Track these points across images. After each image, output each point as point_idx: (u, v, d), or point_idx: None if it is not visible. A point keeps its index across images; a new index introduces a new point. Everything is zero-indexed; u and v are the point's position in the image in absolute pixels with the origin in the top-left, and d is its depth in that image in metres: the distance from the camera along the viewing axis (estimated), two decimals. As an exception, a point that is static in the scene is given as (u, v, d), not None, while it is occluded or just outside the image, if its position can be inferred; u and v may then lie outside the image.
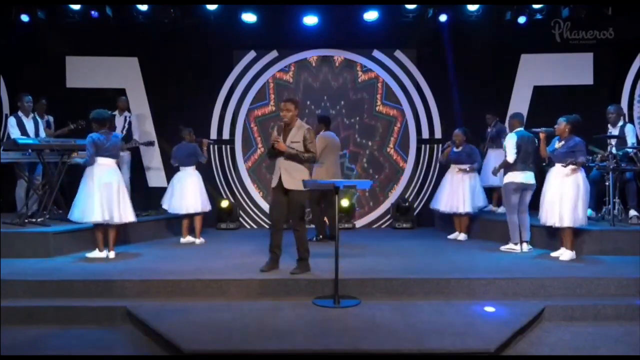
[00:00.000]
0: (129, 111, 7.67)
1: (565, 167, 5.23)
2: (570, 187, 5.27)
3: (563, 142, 5.40)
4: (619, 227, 5.86)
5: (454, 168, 6.73)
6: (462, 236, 6.74)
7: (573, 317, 4.25)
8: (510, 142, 5.77)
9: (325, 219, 6.90)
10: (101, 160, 5.44)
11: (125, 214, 5.56)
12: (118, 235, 5.73)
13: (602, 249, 5.60)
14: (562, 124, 5.44)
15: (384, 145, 8.45)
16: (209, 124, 8.36)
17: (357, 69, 8.42)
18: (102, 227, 5.52)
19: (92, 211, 5.32)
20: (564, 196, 5.26)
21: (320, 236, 6.73)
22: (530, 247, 5.90)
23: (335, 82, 8.43)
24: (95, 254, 5.55)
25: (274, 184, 4.97)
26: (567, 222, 5.27)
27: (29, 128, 6.57)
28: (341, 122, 8.43)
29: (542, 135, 5.62)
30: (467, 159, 6.62)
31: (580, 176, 5.33)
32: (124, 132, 7.55)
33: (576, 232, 5.51)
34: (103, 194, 5.37)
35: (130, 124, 7.63)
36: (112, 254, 5.60)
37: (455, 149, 6.69)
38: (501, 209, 6.92)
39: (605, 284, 4.61)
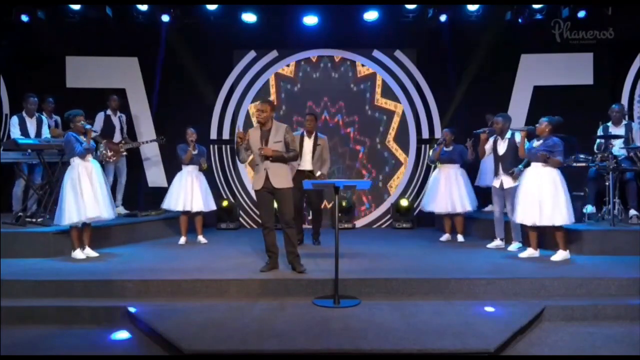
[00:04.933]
0: (121, 111, 7.66)
1: (542, 157, 5.28)
2: (548, 186, 5.28)
3: (541, 141, 5.42)
4: (619, 227, 5.86)
5: (443, 168, 6.69)
6: (460, 238, 6.69)
7: (573, 317, 4.25)
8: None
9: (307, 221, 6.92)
10: (79, 160, 5.48)
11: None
12: (91, 233, 5.73)
13: (602, 249, 5.60)
14: (543, 123, 5.46)
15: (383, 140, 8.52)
16: (209, 124, 8.36)
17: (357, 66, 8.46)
18: (77, 227, 5.56)
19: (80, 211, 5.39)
20: (543, 195, 5.27)
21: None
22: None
23: (335, 81, 8.46)
24: (77, 254, 5.56)
25: (257, 186, 4.97)
26: (546, 221, 5.27)
27: (30, 128, 6.56)
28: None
29: (522, 134, 5.64)
30: (459, 158, 6.60)
31: (557, 175, 5.33)
32: (124, 133, 7.55)
33: (573, 231, 5.53)
34: (94, 191, 5.43)
35: (126, 123, 7.64)
36: (92, 253, 5.64)
37: (445, 149, 6.66)
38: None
39: (605, 284, 4.60)
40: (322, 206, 7.06)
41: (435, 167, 6.85)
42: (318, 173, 6.33)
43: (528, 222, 5.41)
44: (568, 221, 5.32)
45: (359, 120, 8.52)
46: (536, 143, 5.47)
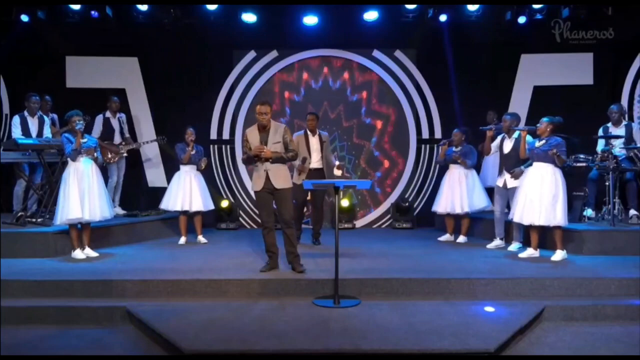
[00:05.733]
0: (120, 111, 7.65)
1: (552, 155, 5.27)
2: (550, 186, 5.28)
3: (544, 141, 5.42)
4: (619, 227, 5.86)
5: (451, 168, 6.69)
6: (461, 238, 6.67)
7: (573, 317, 4.25)
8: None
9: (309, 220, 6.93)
10: (70, 161, 5.49)
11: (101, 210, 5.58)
12: (90, 233, 5.72)
13: (602, 249, 5.60)
14: (544, 123, 5.48)
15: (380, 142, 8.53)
16: (209, 124, 8.36)
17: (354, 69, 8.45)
18: (75, 227, 5.57)
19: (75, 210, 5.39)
20: (544, 195, 5.28)
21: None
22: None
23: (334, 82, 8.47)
24: (77, 254, 5.55)
25: (258, 187, 4.96)
26: (544, 221, 5.28)
27: (32, 128, 6.55)
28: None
29: (523, 134, 5.64)
30: (463, 158, 6.57)
31: (560, 175, 5.35)
32: (123, 133, 7.54)
33: (574, 232, 5.52)
34: (80, 193, 5.42)
35: (126, 123, 7.63)
36: (92, 253, 5.64)
37: (453, 149, 6.67)
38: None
39: (605, 284, 4.61)
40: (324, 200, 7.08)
41: (448, 168, 6.83)
42: (337, 162, 6.40)
43: (525, 222, 5.42)
44: (563, 223, 5.33)
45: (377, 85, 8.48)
46: (538, 143, 5.47)
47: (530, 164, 5.63)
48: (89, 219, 5.48)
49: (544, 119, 5.49)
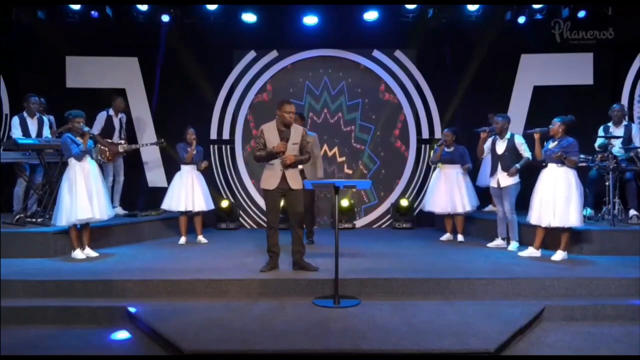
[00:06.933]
0: (123, 112, 7.66)
1: (557, 157, 5.27)
2: (563, 188, 5.28)
3: (556, 142, 5.42)
4: (619, 227, 5.87)
5: (444, 168, 6.69)
6: (460, 237, 6.69)
7: (573, 317, 4.25)
8: (524, 143, 5.87)
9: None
10: (75, 161, 5.49)
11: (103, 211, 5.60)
12: (90, 233, 5.73)
13: (602, 249, 5.61)
14: (556, 124, 5.46)
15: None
16: (209, 124, 8.36)
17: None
18: (75, 227, 5.57)
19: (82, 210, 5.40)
20: (557, 196, 5.27)
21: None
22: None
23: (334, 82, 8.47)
24: (77, 254, 5.55)
25: (271, 186, 4.94)
26: (558, 222, 5.27)
27: (31, 128, 6.56)
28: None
29: (536, 136, 5.64)
30: (460, 159, 6.57)
31: (573, 176, 5.33)
32: (123, 133, 7.54)
33: (574, 232, 5.52)
34: (88, 193, 5.44)
35: (126, 123, 7.63)
36: (92, 253, 5.65)
37: (446, 149, 6.66)
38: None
39: (605, 284, 4.61)
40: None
41: (435, 167, 6.84)
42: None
43: (543, 224, 5.37)
44: (578, 223, 5.32)
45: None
46: (552, 144, 5.46)
47: (524, 162, 5.75)
48: (100, 217, 5.53)
49: (556, 120, 5.46)
